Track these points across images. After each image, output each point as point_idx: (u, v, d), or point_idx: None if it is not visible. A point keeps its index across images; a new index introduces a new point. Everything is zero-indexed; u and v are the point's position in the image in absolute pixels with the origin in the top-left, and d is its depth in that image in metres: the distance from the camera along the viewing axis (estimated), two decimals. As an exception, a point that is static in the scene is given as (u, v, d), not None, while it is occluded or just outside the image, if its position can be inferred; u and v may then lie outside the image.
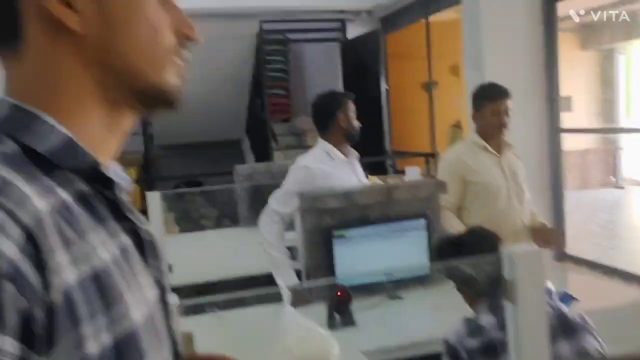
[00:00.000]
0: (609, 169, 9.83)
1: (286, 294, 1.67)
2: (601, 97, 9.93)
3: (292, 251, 2.65)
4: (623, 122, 9.74)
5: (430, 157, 5.30)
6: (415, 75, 6.95)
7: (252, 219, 3.71)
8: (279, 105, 7.76)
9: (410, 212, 2.22)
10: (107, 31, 0.56)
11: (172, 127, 7.09)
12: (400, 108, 6.80)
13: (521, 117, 2.73)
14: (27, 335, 0.44)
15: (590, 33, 9.47)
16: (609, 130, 9.40)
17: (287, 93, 8.38)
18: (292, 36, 7.17)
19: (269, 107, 6.87)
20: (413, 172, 3.08)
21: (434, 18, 5.43)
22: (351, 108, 2.63)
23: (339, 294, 2.01)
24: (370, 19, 6.32)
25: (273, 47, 7.26)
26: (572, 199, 7.44)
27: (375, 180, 3.56)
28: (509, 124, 2.59)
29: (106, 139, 0.60)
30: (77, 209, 0.52)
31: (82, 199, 0.54)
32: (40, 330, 0.45)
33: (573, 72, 8.50)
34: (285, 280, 2.32)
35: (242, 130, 7.94)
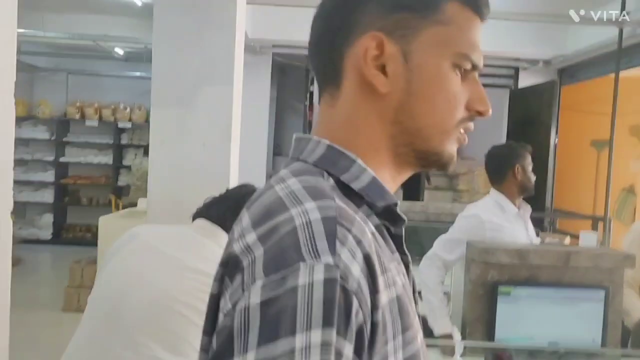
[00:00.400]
0: None
1: (459, 347, 1.65)
2: None
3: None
4: None
5: (599, 221, 4.91)
6: (588, 131, 6.53)
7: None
8: (435, 145, 7.74)
9: (588, 281, 2.08)
10: (408, 96, 0.64)
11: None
12: (566, 164, 6.42)
13: None
14: (358, 346, 0.51)
15: None
16: None
17: (445, 134, 8.34)
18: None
19: (427, 145, 6.86)
20: (589, 238, 2.87)
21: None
22: (529, 161, 2.56)
23: (499, 355, 1.94)
24: (546, 69, 6.09)
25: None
26: None
27: (548, 238, 3.38)
28: None
29: (389, 186, 0.67)
30: (380, 239, 0.60)
31: (377, 229, 0.62)
32: (365, 343, 0.51)
33: None
34: (441, 327, 2.29)
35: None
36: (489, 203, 2.56)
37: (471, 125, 0.69)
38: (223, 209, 1.39)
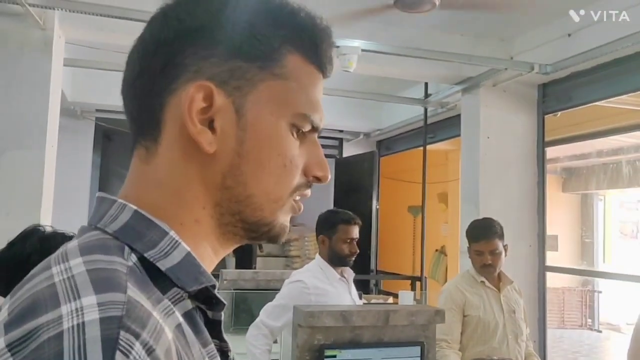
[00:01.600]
0: (586, 310, 9.83)
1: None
2: (580, 239, 10.19)
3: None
4: (600, 266, 9.91)
5: (416, 281, 5.29)
6: (404, 198, 7.14)
7: (234, 325, 3.62)
8: (267, 213, 7.85)
9: (406, 338, 2.19)
10: (239, 158, 0.55)
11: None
12: (387, 228, 6.90)
13: (512, 253, 2.80)
14: None
15: (572, 177, 9.92)
16: (590, 272, 9.53)
17: (276, 201, 8.53)
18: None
19: (257, 213, 6.93)
20: (406, 297, 3.06)
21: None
22: (342, 232, 2.57)
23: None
24: (366, 141, 6.61)
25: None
26: (553, 338, 7.37)
27: (373, 300, 3.53)
28: (498, 262, 2.63)
29: (210, 261, 0.58)
30: (187, 329, 0.50)
31: (189, 316, 0.52)
32: None
33: (555, 213, 8.79)
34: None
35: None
36: (313, 268, 2.61)
37: (308, 192, 0.60)
38: None
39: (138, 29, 0.59)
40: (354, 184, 6.40)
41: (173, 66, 0.55)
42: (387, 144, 6.57)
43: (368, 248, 6.26)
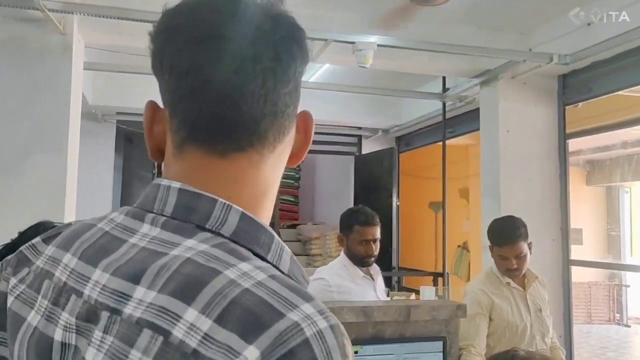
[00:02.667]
0: (614, 304, 9.67)
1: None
2: (606, 232, 10.01)
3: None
4: (628, 260, 9.73)
5: (438, 277, 5.26)
6: (425, 194, 7.09)
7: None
8: (287, 212, 7.88)
9: (428, 333, 2.18)
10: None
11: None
12: (409, 225, 6.87)
13: (535, 248, 2.75)
14: None
15: (596, 169, 9.75)
16: (616, 266, 9.37)
17: (296, 200, 8.55)
18: (311, 147, 7.44)
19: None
20: (428, 292, 3.05)
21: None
22: (358, 232, 2.56)
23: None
24: (385, 137, 6.57)
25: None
26: (579, 333, 7.27)
27: (395, 296, 3.53)
28: (524, 265, 2.55)
29: None
30: None
31: None
32: None
33: (579, 206, 8.66)
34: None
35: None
36: (337, 266, 2.61)
37: None
38: None
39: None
40: (374, 181, 6.38)
41: (296, 85, 0.61)
42: (406, 140, 6.53)
43: (389, 245, 6.24)
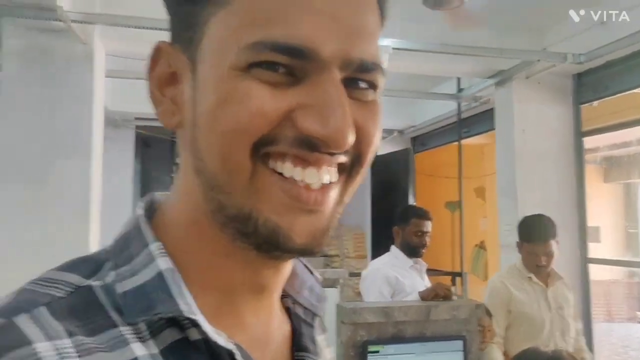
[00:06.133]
0: (635, 303, 9.58)
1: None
2: (624, 230, 9.93)
3: None
4: (647, 257, 9.64)
5: (457, 276, 5.27)
6: (441, 194, 7.10)
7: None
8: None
9: (448, 332, 2.21)
10: (194, 129, 0.43)
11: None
12: (425, 225, 6.86)
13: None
14: None
15: (613, 167, 9.67)
16: (635, 263, 9.29)
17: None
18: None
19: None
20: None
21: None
22: (414, 225, 2.93)
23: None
24: (401, 138, 6.60)
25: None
26: (600, 332, 7.21)
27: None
28: (551, 262, 2.60)
29: (225, 272, 0.46)
30: None
31: (173, 349, 0.40)
32: None
33: (597, 204, 8.60)
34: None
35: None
36: (387, 259, 2.96)
37: (302, 153, 0.40)
38: None
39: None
40: (390, 182, 6.41)
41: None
42: (422, 140, 6.55)
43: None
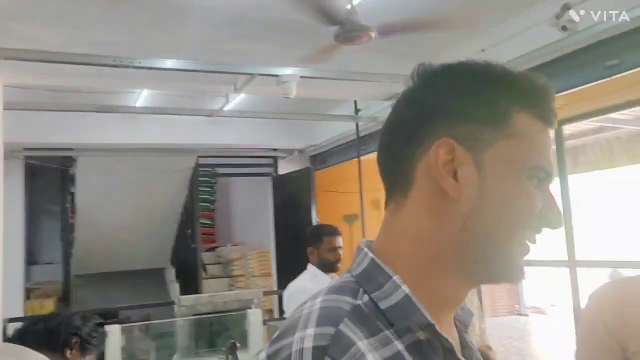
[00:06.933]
0: (514, 296, 10.47)
1: None
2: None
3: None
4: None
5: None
6: (339, 208, 7.38)
7: (193, 350, 3.67)
8: (204, 235, 7.86)
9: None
10: (479, 202, 0.62)
11: (95, 256, 6.90)
12: (327, 239, 7.08)
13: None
14: None
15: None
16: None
17: (212, 222, 8.54)
18: (226, 170, 7.51)
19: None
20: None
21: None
22: (327, 242, 3.07)
23: None
24: (300, 157, 6.80)
25: (204, 180, 7.53)
26: (488, 326, 7.81)
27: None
28: None
29: (445, 302, 0.66)
30: (407, 356, 0.58)
31: (414, 346, 0.59)
32: None
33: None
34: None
35: (167, 259, 7.85)
36: (306, 277, 3.05)
37: (537, 238, 0.65)
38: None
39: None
40: (293, 200, 6.57)
41: (421, 133, 0.64)
42: (322, 158, 6.79)
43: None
